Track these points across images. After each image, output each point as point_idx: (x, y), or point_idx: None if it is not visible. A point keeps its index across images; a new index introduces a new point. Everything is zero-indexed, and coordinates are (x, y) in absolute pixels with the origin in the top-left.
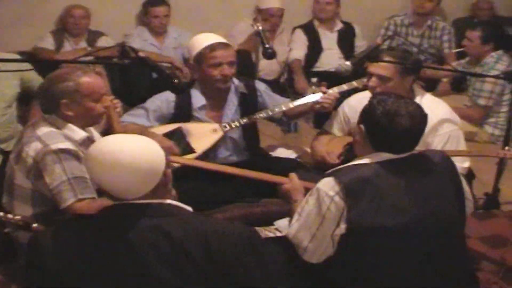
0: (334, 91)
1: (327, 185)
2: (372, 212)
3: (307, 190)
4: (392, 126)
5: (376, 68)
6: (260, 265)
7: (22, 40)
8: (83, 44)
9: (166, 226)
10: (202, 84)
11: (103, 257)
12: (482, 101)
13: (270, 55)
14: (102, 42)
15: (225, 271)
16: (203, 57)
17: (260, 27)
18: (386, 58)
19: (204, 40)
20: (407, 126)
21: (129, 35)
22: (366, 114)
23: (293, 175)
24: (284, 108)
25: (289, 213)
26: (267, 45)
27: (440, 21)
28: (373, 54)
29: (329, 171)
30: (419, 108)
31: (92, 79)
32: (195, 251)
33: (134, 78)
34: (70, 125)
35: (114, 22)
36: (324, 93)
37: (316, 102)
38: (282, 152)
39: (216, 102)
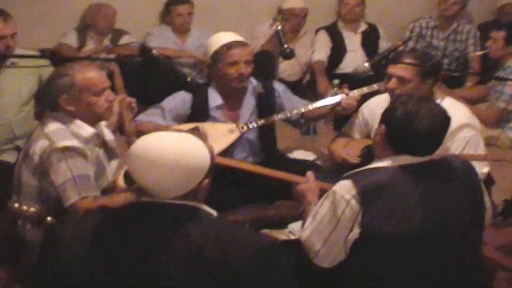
0: (355, 93)
1: (344, 188)
2: (385, 218)
3: (322, 191)
4: (412, 127)
5: (396, 69)
6: (277, 279)
7: (44, 38)
8: (106, 42)
9: (187, 230)
10: (218, 84)
11: (117, 253)
12: (501, 104)
13: (287, 55)
14: (125, 40)
15: (239, 280)
16: (220, 55)
17: (279, 27)
18: (407, 60)
19: (221, 38)
20: (427, 128)
21: (151, 34)
22: (387, 114)
23: (310, 174)
24: (303, 110)
25: (301, 215)
26: (285, 45)
27: (466, 24)
28: (393, 56)
29: (346, 174)
30: (442, 110)
31: (89, 73)
32: (212, 256)
33: (153, 77)
34: (78, 121)
35: (138, 20)
36: (346, 94)
37: (338, 104)
38: (299, 154)
39: (233, 102)
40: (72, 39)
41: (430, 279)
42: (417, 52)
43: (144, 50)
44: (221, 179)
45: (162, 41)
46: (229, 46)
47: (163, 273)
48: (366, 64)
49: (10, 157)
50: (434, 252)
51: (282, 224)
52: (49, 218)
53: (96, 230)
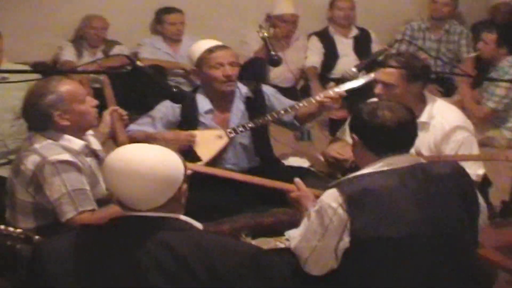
0: (341, 89)
1: (330, 197)
2: (375, 223)
3: (317, 196)
4: (379, 120)
5: (381, 74)
6: (265, 283)
7: (34, 50)
8: (99, 54)
9: (171, 241)
10: (206, 89)
11: (104, 268)
12: (491, 104)
13: (274, 62)
14: (117, 51)
15: None
16: (203, 60)
17: (265, 34)
18: (390, 64)
19: (203, 45)
20: (392, 116)
21: (142, 45)
22: (354, 121)
23: (298, 182)
24: (289, 110)
25: (299, 222)
26: (272, 52)
27: (458, 25)
28: (380, 60)
29: (332, 183)
30: (399, 104)
31: (68, 85)
32: (198, 268)
33: (139, 88)
34: (66, 136)
35: (129, 31)
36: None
37: (322, 101)
38: (295, 160)
39: (222, 106)
40: (70, 53)
41: (425, 281)
42: (402, 55)
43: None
44: (216, 186)
45: (154, 51)
46: (211, 49)
47: (152, 285)
48: (354, 69)
49: (4, 172)
50: (428, 253)
51: (279, 231)
52: (36, 237)
53: (79, 246)
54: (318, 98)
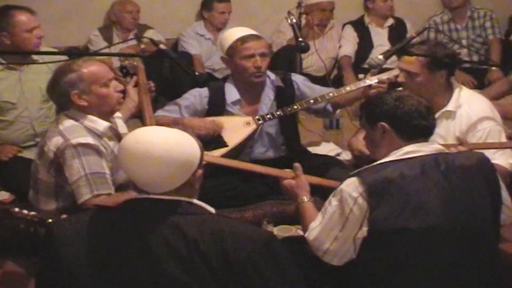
0: (386, 76)
1: (351, 186)
2: (395, 213)
3: (312, 185)
4: (408, 104)
5: (403, 63)
6: (277, 270)
7: (70, 36)
8: (131, 37)
9: (183, 225)
10: (236, 79)
11: (116, 250)
12: None
13: (302, 48)
14: (149, 35)
15: (239, 274)
16: (235, 50)
17: (294, 20)
18: (413, 53)
19: (235, 33)
20: (420, 101)
21: (184, 35)
22: (380, 108)
23: (297, 167)
24: (319, 100)
25: (298, 212)
26: (300, 38)
27: (481, 9)
28: (405, 48)
29: (354, 172)
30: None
31: (93, 66)
32: (209, 252)
33: (165, 72)
34: (91, 117)
35: (165, 19)
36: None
37: (370, 87)
38: (322, 149)
39: (251, 97)
40: (99, 43)
41: (445, 274)
42: (426, 43)
43: (154, 44)
44: (240, 173)
45: (198, 37)
46: (243, 39)
47: (163, 269)
48: (380, 57)
49: (32, 154)
50: (448, 245)
51: None
52: (50, 220)
53: (92, 227)
54: (368, 81)
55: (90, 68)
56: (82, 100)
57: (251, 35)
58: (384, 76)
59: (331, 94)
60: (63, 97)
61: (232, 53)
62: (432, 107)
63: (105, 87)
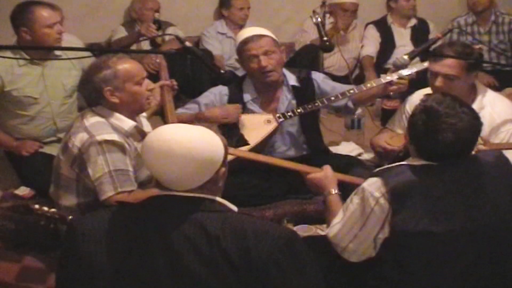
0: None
1: (373, 186)
2: (418, 217)
3: (342, 181)
4: (433, 141)
5: (441, 67)
6: (298, 268)
7: (92, 33)
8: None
9: (206, 222)
10: (251, 78)
11: (137, 246)
12: None
13: (327, 47)
14: (170, 32)
15: (260, 271)
16: (241, 52)
17: (319, 19)
18: (450, 55)
19: (241, 35)
20: (450, 140)
21: (205, 35)
22: (409, 124)
23: (327, 167)
24: (340, 97)
25: (324, 204)
26: (324, 38)
27: (506, 15)
28: (434, 51)
29: (377, 170)
30: (469, 117)
31: (128, 64)
32: (231, 249)
33: (189, 69)
34: (118, 115)
35: (186, 17)
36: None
37: (390, 83)
38: (343, 149)
39: (268, 96)
40: (122, 35)
41: (466, 277)
42: (457, 44)
43: (179, 41)
44: (261, 172)
45: (219, 36)
46: (245, 41)
47: (184, 266)
48: (405, 57)
49: (53, 150)
50: (471, 249)
51: (322, 219)
52: (70, 217)
53: (114, 224)
54: (388, 78)
55: (124, 65)
56: (115, 96)
57: (253, 35)
58: (405, 72)
59: (352, 91)
60: (95, 92)
61: (239, 56)
62: (476, 131)
63: (138, 85)
